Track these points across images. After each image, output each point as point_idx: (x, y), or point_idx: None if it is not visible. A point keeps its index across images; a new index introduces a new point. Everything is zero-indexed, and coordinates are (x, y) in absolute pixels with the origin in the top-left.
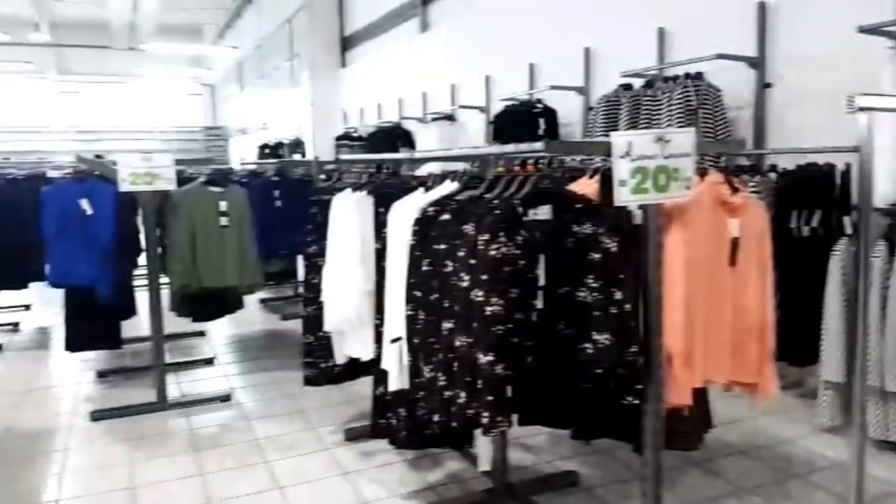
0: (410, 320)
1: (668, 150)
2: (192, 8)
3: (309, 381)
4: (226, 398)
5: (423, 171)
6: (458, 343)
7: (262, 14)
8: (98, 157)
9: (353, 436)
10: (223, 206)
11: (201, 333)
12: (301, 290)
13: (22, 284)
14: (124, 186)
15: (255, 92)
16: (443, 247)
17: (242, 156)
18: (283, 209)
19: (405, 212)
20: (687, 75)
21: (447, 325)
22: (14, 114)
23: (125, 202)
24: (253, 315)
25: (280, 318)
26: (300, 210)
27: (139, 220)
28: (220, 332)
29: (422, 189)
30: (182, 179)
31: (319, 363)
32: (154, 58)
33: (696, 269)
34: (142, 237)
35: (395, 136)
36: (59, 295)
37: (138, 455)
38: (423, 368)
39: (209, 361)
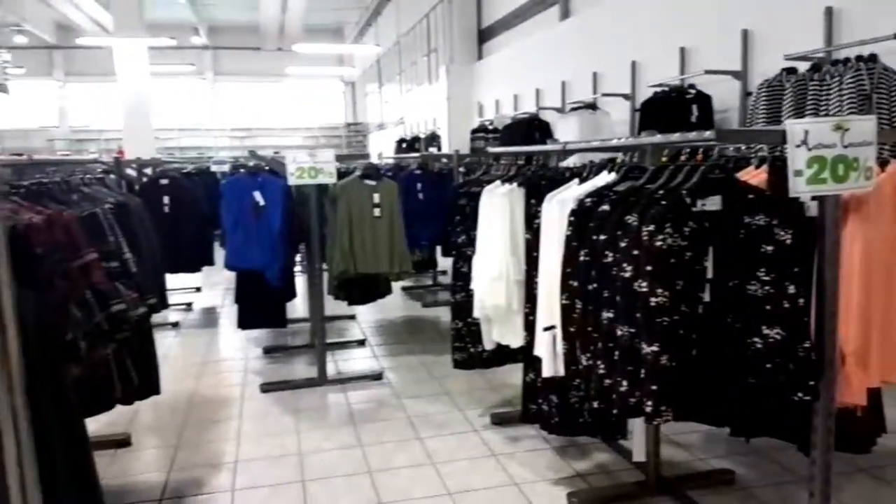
0: (566, 309)
1: (847, 138)
2: (334, 8)
3: (458, 365)
4: (378, 377)
5: (568, 162)
6: (619, 332)
7: (401, 11)
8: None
9: (499, 420)
10: (376, 198)
11: (352, 317)
12: (440, 279)
13: (196, 268)
14: (292, 180)
15: (393, 88)
16: (602, 237)
17: (381, 150)
18: (425, 201)
19: (560, 203)
20: (859, 58)
21: (607, 314)
22: (177, 112)
23: (293, 194)
24: (396, 302)
25: (421, 305)
26: (441, 202)
27: (303, 211)
28: (367, 317)
29: (576, 180)
30: (339, 174)
31: (469, 348)
32: (300, 58)
33: (875, 263)
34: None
35: (532, 128)
36: (223, 278)
37: (303, 425)
38: (580, 356)
39: (361, 343)
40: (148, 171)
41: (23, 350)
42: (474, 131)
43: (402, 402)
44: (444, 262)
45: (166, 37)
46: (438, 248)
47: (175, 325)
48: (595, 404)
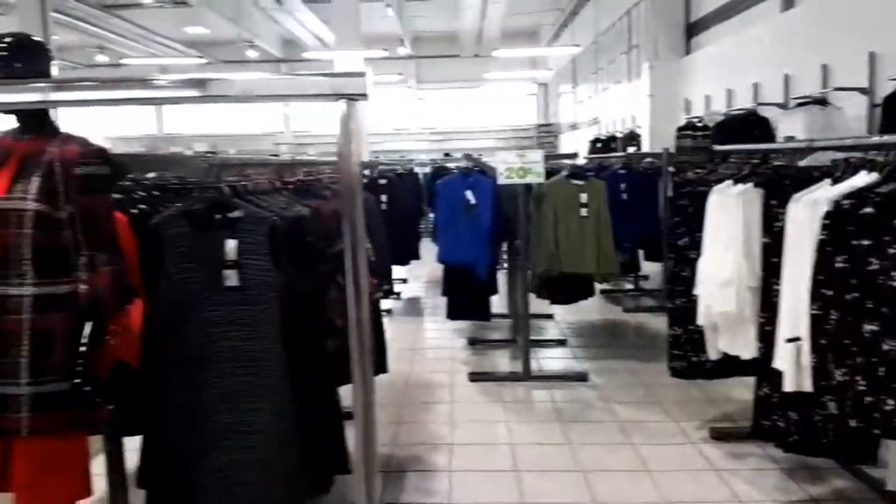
0: (817, 320)
1: None
2: (531, 12)
3: (677, 373)
4: (582, 378)
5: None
6: (885, 347)
7: (599, 10)
8: (447, 154)
9: (720, 435)
10: (583, 197)
11: (550, 316)
12: (642, 283)
13: (405, 261)
14: (501, 179)
15: (587, 87)
16: (865, 243)
17: (573, 150)
18: (629, 202)
19: (811, 204)
20: None
21: (870, 326)
22: (384, 118)
23: (500, 194)
24: (595, 305)
25: (622, 310)
26: (647, 203)
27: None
28: (565, 317)
29: (827, 181)
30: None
31: (690, 356)
32: (497, 62)
33: None
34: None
35: (749, 125)
36: (425, 272)
37: (511, 417)
38: (832, 371)
39: (562, 342)
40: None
41: (295, 324)
42: (681, 129)
43: (610, 405)
44: (647, 267)
45: (379, 48)
46: (640, 252)
47: (388, 311)
48: (852, 423)
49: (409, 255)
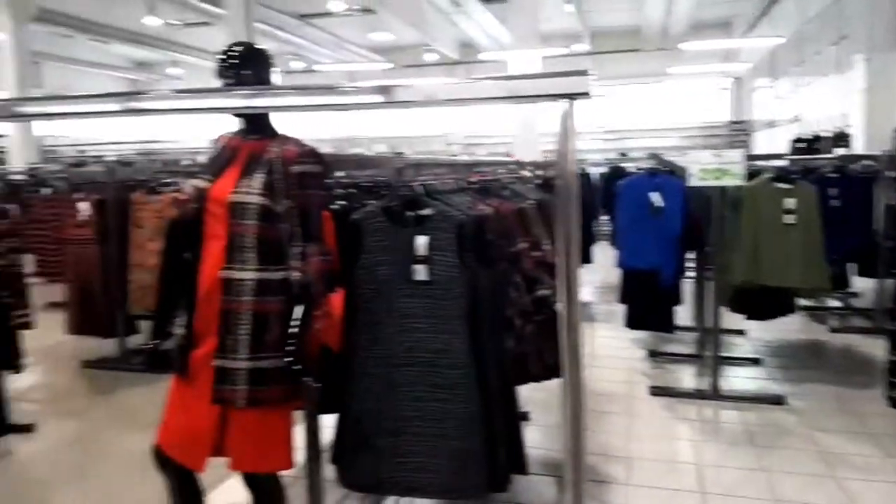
0: None
1: None
2: (725, 1)
3: None
4: (779, 400)
5: None
6: None
7: None
8: (623, 154)
9: None
10: (789, 203)
11: (741, 332)
12: (852, 301)
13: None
14: (693, 181)
15: (788, 82)
16: None
17: (771, 150)
18: (841, 210)
19: None
20: None
21: None
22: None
23: (691, 196)
24: (795, 322)
25: (828, 329)
26: (860, 211)
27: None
28: (759, 334)
29: None
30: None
31: None
32: (683, 56)
33: None
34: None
35: None
36: (597, 277)
37: (696, 436)
38: None
39: (755, 361)
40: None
41: (479, 320)
42: None
43: (811, 433)
44: (859, 283)
45: (557, 46)
46: (850, 266)
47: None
48: None
49: (582, 258)
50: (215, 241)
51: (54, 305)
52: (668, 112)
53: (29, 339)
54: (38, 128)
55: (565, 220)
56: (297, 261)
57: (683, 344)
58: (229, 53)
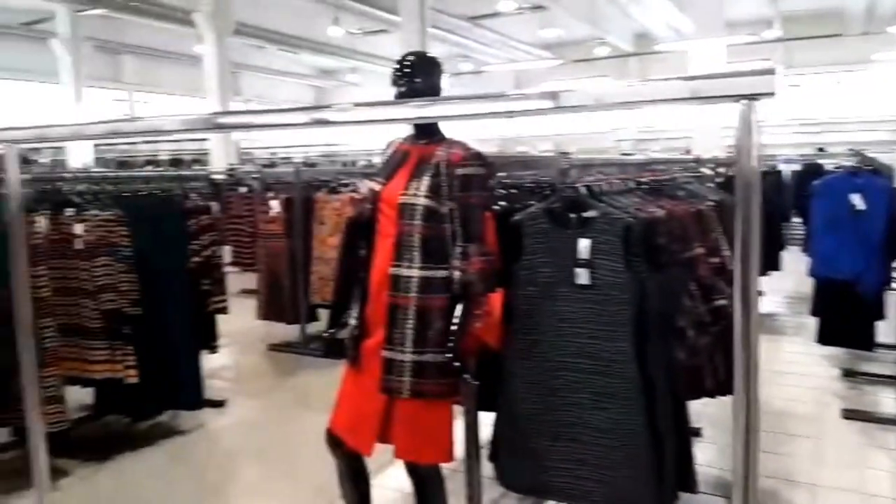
0: None
1: None
2: None
3: None
4: None
5: None
6: None
7: None
8: (820, 149)
9: None
10: None
11: None
12: None
13: (764, 272)
14: None
15: None
16: None
17: None
18: None
19: None
20: None
21: None
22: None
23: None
24: None
25: None
26: None
27: None
28: None
29: None
30: None
31: None
32: (893, 40)
33: None
34: None
35: None
36: (787, 286)
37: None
38: None
39: None
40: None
41: (645, 328)
42: None
43: None
44: None
45: (743, 34)
46: None
47: None
48: None
49: (768, 264)
50: (386, 239)
51: (247, 293)
52: (872, 103)
53: (224, 323)
54: (238, 133)
55: (744, 222)
56: (459, 260)
57: (884, 364)
58: (403, 63)
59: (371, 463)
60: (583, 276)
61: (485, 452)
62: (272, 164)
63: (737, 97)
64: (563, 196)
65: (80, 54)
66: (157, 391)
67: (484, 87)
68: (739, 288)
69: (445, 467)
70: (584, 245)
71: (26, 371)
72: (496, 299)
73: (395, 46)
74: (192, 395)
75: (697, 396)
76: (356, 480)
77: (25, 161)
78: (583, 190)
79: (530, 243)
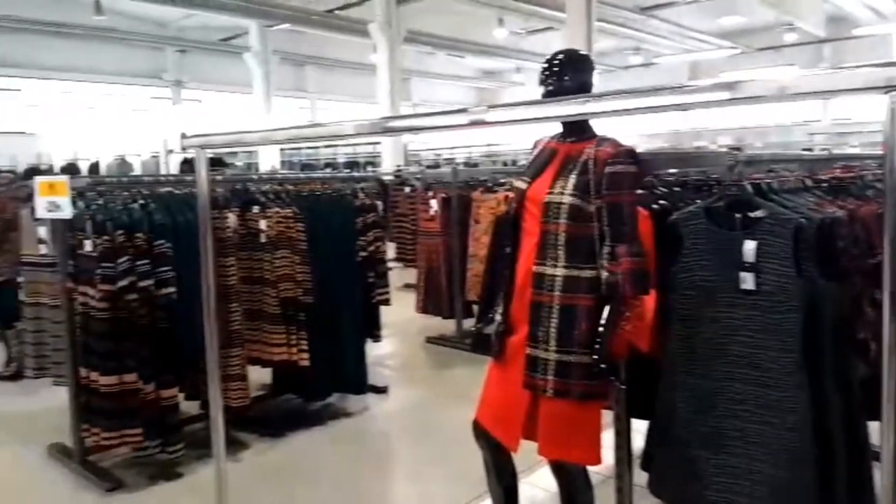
0: None
1: None
2: None
3: None
4: None
5: None
6: None
7: None
8: None
9: None
10: None
11: None
12: None
13: None
14: None
15: None
16: None
17: None
18: None
19: None
20: None
21: None
22: None
23: None
24: None
25: None
26: None
27: None
28: None
29: None
30: None
31: None
32: None
33: None
34: None
35: None
36: None
37: None
38: None
39: None
40: None
41: (818, 339)
42: None
43: None
44: None
45: None
46: None
47: None
48: None
49: None
50: (530, 237)
51: (409, 287)
52: None
53: (386, 314)
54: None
55: (892, 226)
56: (607, 260)
57: None
58: (551, 62)
59: (523, 460)
60: (748, 281)
61: (637, 461)
62: (436, 165)
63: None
64: (727, 194)
65: (270, 66)
66: (326, 375)
67: (657, 80)
68: (888, 292)
69: (596, 474)
70: (749, 247)
71: (210, 350)
72: (649, 301)
73: (560, 43)
74: (357, 380)
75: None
76: (501, 474)
77: (223, 164)
78: (748, 188)
79: (689, 244)
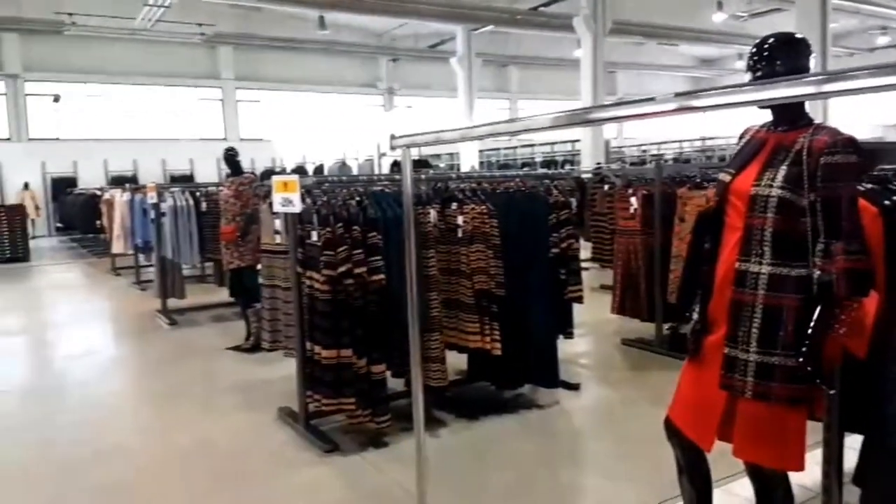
0: None
1: None
2: None
3: None
4: None
5: None
6: None
7: None
8: None
9: None
10: None
11: None
12: None
13: None
14: None
15: None
16: None
17: None
18: None
19: None
20: None
21: None
22: None
23: None
24: None
25: None
26: None
27: None
28: None
29: None
30: None
31: None
32: None
33: None
34: None
35: None
36: None
37: None
38: None
39: None
40: None
41: None
42: None
43: None
44: None
45: None
46: None
47: None
48: None
49: None
50: (733, 232)
51: (605, 288)
52: None
53: (581, 314)
54: (608, 131)
55: None
56: (820, 258)
57: None
58: (761, 46)
59: (720, 467)
60: None
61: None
62: (642, 162)
63: None
64: None
65: (473, 69)
66: (518, 365)
67: None
68: None
69: (801, 488)
70: None
71: (412, 333)
72: (869, 305)
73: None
74: (548, 373)
75: None
76: (693, 475)
77: (428, 165)
78: None
79: None
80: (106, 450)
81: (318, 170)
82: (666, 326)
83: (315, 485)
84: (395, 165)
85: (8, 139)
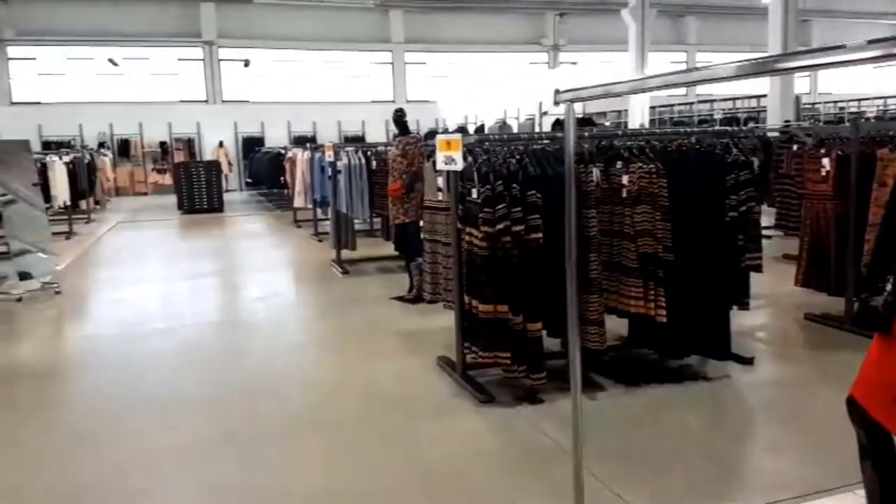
0: None
1: None
2: None
3: None
4: None
5: None
6: None
7: None
8: None
9: None
10: None
11: None
12: None
13: None
14: None
15: None
16: None
17: None
18: None
19: None
20: None
21: None
22: None
23: None
24: None
25: None
26: None
27: None
28: None
29: None
30: None
31: None
32: None
33: None
34: None
35: None
36: None
37: None
38: None
39: None
40: None
41: None
42: None
43: None
44: None
45: None
46: None
47: None
48: None
49: None
50: None
51: (788, 258)
52: None
53: (760, 284)
54: (799, 86)
55: None
56: None
57: None
58: None
59: None
60: None
61: None
62: (839, 121)
63: None
64: None
65: (646, 21)
66: (684, 334)
67: None
68: None
69: None
70: None
71: (570, 293)
72: None
73: None
74: (719, 345)
75: None
76: (878, 460)
77: (592, 123)
78: None
79: None
80: (291, 380)
81: (479, 130)
82: (856, 301)
83: (472, 432)
84: (558, 124)
85: (205, 101)
